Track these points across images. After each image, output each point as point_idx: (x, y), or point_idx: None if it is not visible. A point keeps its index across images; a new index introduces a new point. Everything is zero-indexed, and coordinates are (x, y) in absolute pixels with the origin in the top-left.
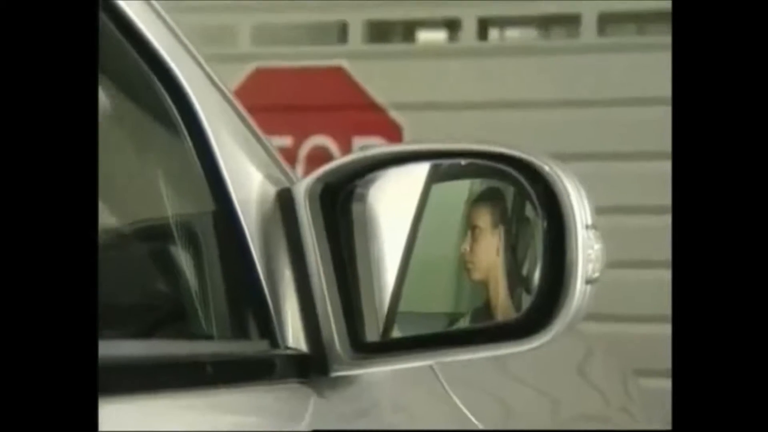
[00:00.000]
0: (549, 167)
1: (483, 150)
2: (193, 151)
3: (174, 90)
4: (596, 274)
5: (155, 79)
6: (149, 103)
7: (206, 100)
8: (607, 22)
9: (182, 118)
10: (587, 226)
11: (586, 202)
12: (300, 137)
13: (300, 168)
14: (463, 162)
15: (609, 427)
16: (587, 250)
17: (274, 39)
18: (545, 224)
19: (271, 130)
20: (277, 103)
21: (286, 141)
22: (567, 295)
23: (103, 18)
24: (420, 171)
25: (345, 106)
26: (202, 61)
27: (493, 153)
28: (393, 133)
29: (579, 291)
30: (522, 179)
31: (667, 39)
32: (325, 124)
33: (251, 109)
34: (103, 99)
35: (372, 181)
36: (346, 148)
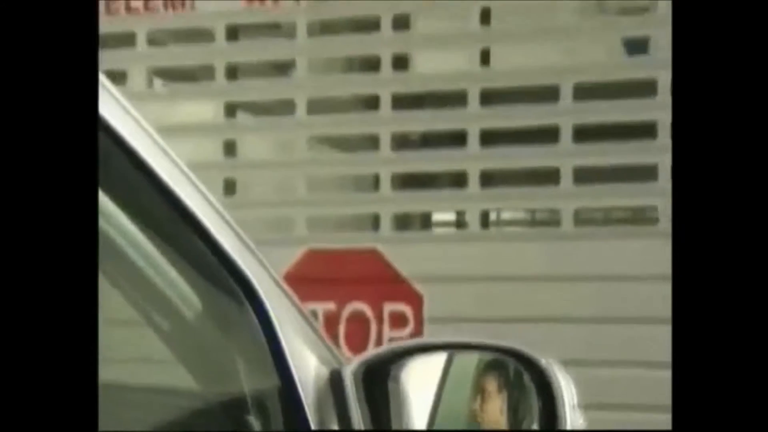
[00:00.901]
0: (545, 361)
1: (492, 345)
2: (263, 339)
3: (249, 292)
4: None
5: (234, 282)
6: (231, 300)
7: (273, 298)
8: (580, 214)
9: (255, 313)
10: (573, 407)
11: (572, 387)
12: (342, 303)
13: (342, 326)
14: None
15: None
16: (574, 425)
17: (323, 226)
18: (540, 403)
19: (319, 297)
20: (325, 276)
21: (331, 306)
22: None
23: (196, 240)
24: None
25: (377, 279)
26: (268, 264)
27: (500, 348)
28: (415, 300)
29: None
30: (522, 367)
31: (628, 228)
32: (362, 293)
33: (304, 281)
34: (195, 298)
35: (404, 365)
36: (378, 312)
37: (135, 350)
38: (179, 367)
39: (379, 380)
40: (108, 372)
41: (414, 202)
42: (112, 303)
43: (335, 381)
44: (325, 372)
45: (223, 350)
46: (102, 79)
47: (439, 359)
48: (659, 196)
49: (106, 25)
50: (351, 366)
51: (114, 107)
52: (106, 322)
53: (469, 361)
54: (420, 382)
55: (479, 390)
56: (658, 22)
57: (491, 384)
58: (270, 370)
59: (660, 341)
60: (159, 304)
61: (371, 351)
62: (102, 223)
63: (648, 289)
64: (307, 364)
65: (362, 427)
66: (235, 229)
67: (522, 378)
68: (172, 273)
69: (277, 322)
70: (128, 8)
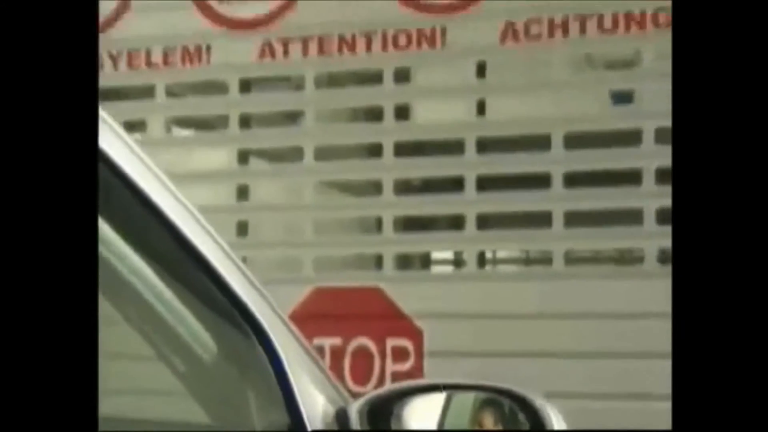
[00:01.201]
0: (539, 401)
1: (488, 386)
2: (273, 378)
3: (260, 334)
4: None
5: (245, 323)
6: (243, 341)
7: (283, 340)
8: (570, 254)
9: (266, 353)
10: None
11: (564, 424)
12: (347, 338)
13: (347, 360)
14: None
15: None
16: None
17: (329, 266)
18: None
19: (325, 333)
20: (331, 313)
21: (337, 341)
22: None
23: (209, 283)
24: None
25: (381, 316)
26: (277, 308)
27: (495, 388)
28: (416, 336)
29: None
30: (516, 406)
31: (615, 268)
32: (366, 329)
33: (312, 318)
34: (209, 338)
35: (406, 403)
36: (382, 347)
37: (146, 383)
38: (190, 400)
39: (383, 418)
40: (121, 405)
41: (414, 243)
42: (122, 337)
43: (341, 419)
44: (331, 410)
45: (235, 387)
46: (118, 129)
47: (439, 397)
48: (644, 239)
49: (127, 78)
50: (356, 404)
51: (131, 158)
52: (117, 356)
53: (467, 397)
54: (421, 419)
55: (476, 425)
56: (643, 76)
57: (488, 419)
58: (279, 407)
59: (647, 373)
60: (174, 343)
61: (375, 391)
62: (118, 266)
63: (634, 325)
64: (315, 402)
65: None
66: (246, 274)
67: (516, 417)
68: (188, 315)
69: (287, 362)
70: (148, 62)
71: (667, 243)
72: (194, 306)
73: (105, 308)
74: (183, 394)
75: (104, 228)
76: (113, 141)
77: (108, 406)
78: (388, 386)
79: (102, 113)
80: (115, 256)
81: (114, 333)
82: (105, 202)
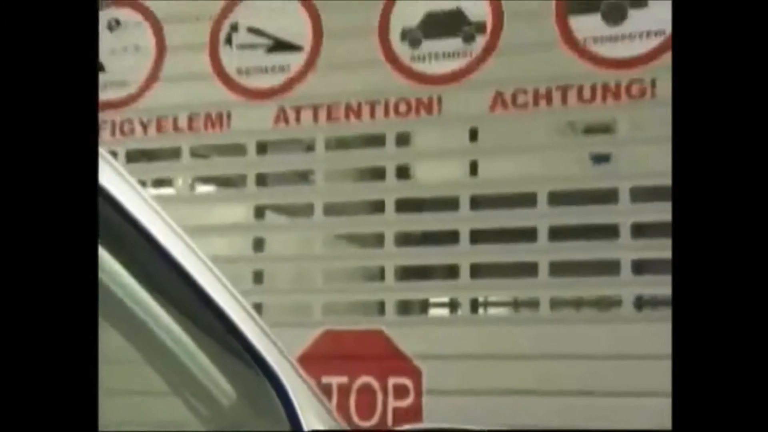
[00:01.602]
0: None
1: (476, 429)
2: (286, 419)
3: (274, 381)
4: None
5: (261, 372)
6: (257, 384)
7: (294, 386)
8: (555, 300)
9: (279, 400)
10: None
11: None
12: (353, 377)
13: (353, 397)
14: None
15: None
16: None
17: (337, 311)
18: None
19: (333, 372)
20: (338, 354)
21: (344, 379)
22: None
23: (225, 333)
24: None
25: (383, 356)
26: (287, 354)
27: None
28: (415, 375)
29: None
30: None
31: (595, 313)
32: (370, 369)
33: (321, 358)
34: (226, 383)
35: None
36: (384, 385)
37: (160, 417)
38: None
39: None
40: None
41: (414, 290)
42: (139, 375)
43: None
44: None
45: (248, 424)
46: (133, 182)
47: None
48: (621, 287)
49: (156, 141)
50: None
51: (149, 212)
52: (131, 392)
53: None
54: None
55: None
56: (620, 141)
57: None
58: None
59: (629, 410)
60: (191, 382)
61: None
62: (139, 313)
63: (613, 365)
64: None
65: None
66: (258, 322)
67: None
68: (205, 359)
69: (296, 402)
70: (175, 127)
71: (641, 290)
72: (212, 351)
73: (125, 347)
74: (197, 426)
75: (123, 274)
76: (129, 194)
77: None
78: None
79: (125, 174)
80: (137, 303)
81: (130, 370)
82: (122, 252)
